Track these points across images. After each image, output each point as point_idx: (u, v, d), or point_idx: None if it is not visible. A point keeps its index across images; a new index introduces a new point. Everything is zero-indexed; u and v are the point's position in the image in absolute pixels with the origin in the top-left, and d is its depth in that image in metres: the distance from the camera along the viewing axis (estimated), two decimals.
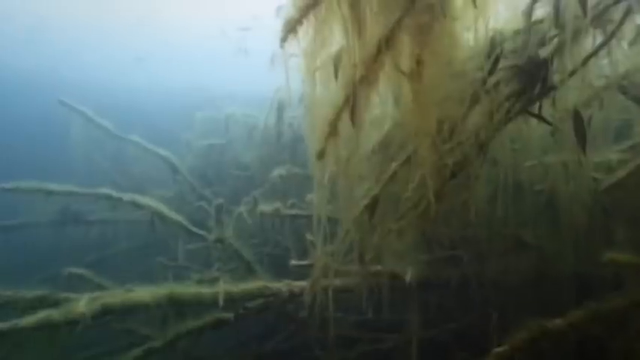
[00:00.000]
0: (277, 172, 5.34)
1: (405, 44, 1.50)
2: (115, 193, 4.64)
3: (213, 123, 8.11)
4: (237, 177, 7.02)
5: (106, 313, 2.90)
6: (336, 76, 1.77)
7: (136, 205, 4.69)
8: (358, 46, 1.51)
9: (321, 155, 1.68)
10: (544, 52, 2.03)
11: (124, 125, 6.95)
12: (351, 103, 1.54)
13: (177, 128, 8.57)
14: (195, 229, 4.78)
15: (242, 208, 4.93)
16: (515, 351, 2.01)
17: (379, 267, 2.67)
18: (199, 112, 8.44)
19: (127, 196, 4.63)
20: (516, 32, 2.03)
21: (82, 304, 2.85)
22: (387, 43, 1.47)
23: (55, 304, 2.93)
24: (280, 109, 6.38)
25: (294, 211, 4.37)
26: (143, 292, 3.07)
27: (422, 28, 1.48)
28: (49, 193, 4.74)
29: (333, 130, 1.63)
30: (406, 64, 1.55)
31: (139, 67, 17.14)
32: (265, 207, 4.50)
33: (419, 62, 1.50)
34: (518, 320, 2.07)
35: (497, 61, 1.92)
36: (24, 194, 4.73)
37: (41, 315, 2.68)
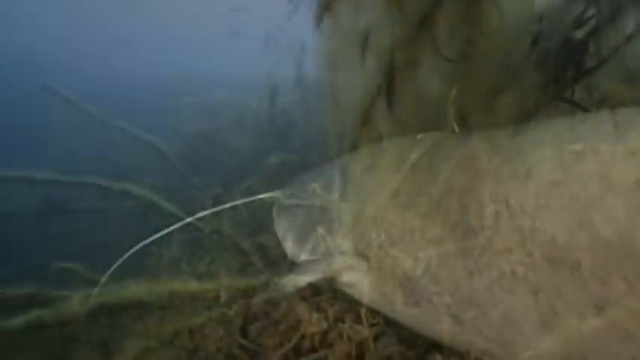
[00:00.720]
0: (273, 159, 5.16)
1: (452, 24, 1.34)
2: (104, 182, 4.43)
3: (202, 108, 7.86)
4: (227, 164, 6.81)
5: (101, 310, 2.77)
6: (363, 58, 1.61)
7: (126, 194, 4.47)
8: (398, 26, 1.35)
9: (354, 146, 1.52)
10: (580, 34, 1.90)
11: (108, 110, 6.67)
12: (390, 89, 1.38)
13: (164, 114, 8.27)
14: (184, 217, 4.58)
15: (237, 197, 4.75)
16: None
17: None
18: (186, 96, 8.17)
19: (117, 185, 4.42)
20: (551, 13, 1.89)
21: (76, 302, 2.71)
22: (430, 21, 1.31)
23: (47, 301, 2.79)
24: (273, 93, 6.19)
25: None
26: (140, 288, 2.91)
27: (470, 7, 1.32)
28: (32, 181, 4.51)
29: (366, 118, 1.46)
30: (450, 45, 1.40)
31: (123, 50, 16.65)
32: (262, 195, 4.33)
33: (470, 43, 1.35)
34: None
35: (535, 42, 1.79)
36: (5, 183, 4.49)
37: (34, 314, 2.54)
